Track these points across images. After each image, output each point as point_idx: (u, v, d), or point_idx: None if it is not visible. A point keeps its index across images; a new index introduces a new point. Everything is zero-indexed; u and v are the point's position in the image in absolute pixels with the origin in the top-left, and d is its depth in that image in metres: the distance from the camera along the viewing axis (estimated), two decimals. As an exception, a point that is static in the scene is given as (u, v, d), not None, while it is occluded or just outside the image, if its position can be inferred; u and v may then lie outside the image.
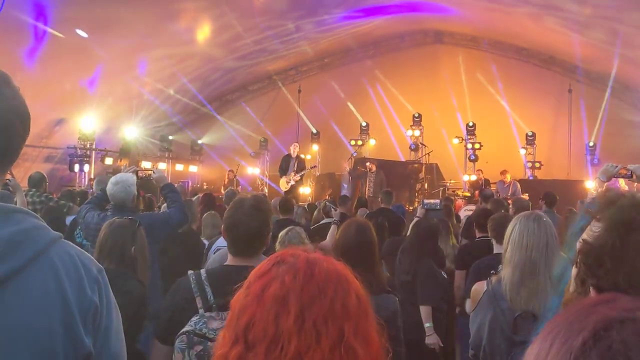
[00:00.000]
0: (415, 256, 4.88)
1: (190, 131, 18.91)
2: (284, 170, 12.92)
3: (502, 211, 5.76)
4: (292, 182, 12.59)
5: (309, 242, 4.15)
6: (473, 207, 9.98)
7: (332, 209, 6.12)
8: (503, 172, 13.91)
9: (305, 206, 8.17)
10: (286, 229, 4.21)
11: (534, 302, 2.60)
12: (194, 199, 7.03)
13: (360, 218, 4.07)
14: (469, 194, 14.35)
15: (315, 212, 7.52)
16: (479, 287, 2.91)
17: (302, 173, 12.72)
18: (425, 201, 6.28)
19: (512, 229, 2.75)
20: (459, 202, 13.18)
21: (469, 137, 17.36)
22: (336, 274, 1.15)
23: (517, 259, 2.67)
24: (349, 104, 18.47)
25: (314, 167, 14.66)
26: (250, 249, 2.49)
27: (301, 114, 18.96)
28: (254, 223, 2.49)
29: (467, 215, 7.68)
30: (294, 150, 13.00)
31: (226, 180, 15.77)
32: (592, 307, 0.71)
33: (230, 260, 2.54)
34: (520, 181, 14.09)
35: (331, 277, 1.13)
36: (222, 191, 13.22)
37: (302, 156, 13.50)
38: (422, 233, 4.97)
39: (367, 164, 14.06)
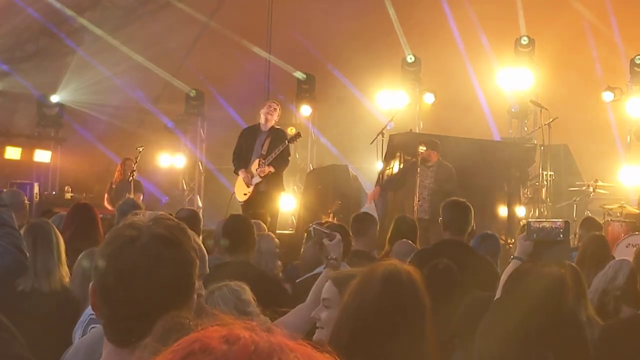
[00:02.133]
0: (517, 343, 3.64)
1: (34, 80, 15.28)
2: (241, 159, 9.91)
3: None
4: (257, 180, 9.66)
5: (254, 310, 3.30)
6: (644, 239, 9.51)
7: (325, 236, 4.39)
8: None
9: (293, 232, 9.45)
10: (212, 287, 3.39)
11: None
12: (49, 221, 5.20)
13: (398, 262, 3.00)
14: (636, 211, 11.00)
15: (303, 248, 5.97)
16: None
17: (279, 151, 9.61)
18: (534, 224, 4.47)
19: None
20: (615, 227, 10.41)
21: (636, 87, 13.30)
22: None
23: None
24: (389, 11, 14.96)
25: (295, 136, 10.51)
26: (134, 333, 1.71)
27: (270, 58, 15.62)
28: (162, 272, 1.76)
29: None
30: (268, 116, 9.83)
31: (116, 179, 12.05)
32: None
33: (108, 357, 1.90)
34: None
35: None
36: (107, 203, 11.35)
37: (281, 129, 10.39)
38: (530, 296, 3.75)
39: (420, 147, 10.46)
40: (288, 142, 9.94)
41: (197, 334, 0.93)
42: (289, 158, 10.30)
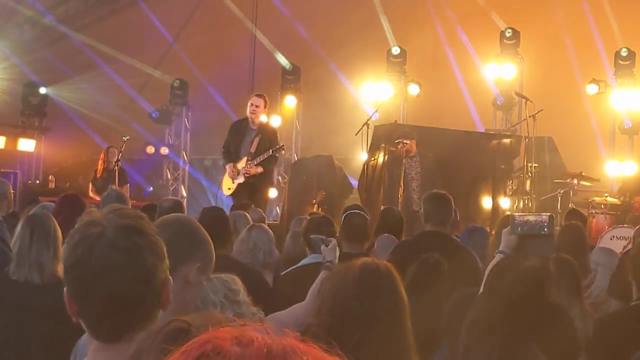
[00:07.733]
0: (503, 338, 3.50)
1: (19, 68, 15.35)
2: (230, 154, 9.91)
3: None
4: (241, 179, 9.65)
5: (244, 299, 3.15)
6: (628, 231, 8.71)
7: (321, 242, 4.46)
8: None
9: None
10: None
11: None
12: (49, 214, 4.75)
13: (375, 258, 3.04)
14: (619, 203, 10.76)
15: (288, 239, 6.06)
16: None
17: (265, 157, 9.53)
18: (518, 218, 4.42)
19: None
20: (599, 219, 10.27)
21: (619, 80, 13.20)
22: None
23: None
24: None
25: (278, 148, 10.16)
26: (121, 326, 1.72)
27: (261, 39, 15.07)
28: (135, 260, 1.74)
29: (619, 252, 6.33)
30: (254, 111, 9.72)
31: (100, 167, 11.81)
32: None
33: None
34: None
35: None
36: (92, 193, 11.18)
37: (269, 124, 10.81)
38: (513, 291, 3.57)
39: (397, 141, 10.45)
40: (273, 152, 9.96)
41: (208, 335, 0.90)
42: (278, 155, 10.26)
